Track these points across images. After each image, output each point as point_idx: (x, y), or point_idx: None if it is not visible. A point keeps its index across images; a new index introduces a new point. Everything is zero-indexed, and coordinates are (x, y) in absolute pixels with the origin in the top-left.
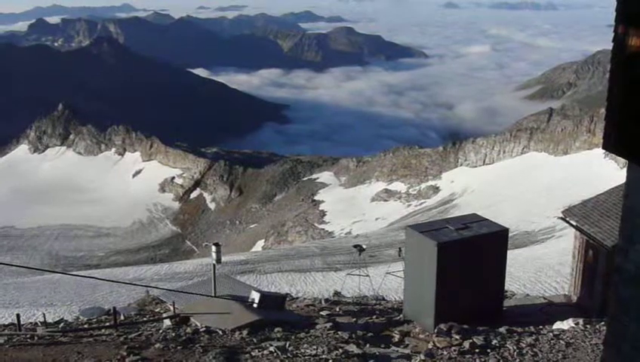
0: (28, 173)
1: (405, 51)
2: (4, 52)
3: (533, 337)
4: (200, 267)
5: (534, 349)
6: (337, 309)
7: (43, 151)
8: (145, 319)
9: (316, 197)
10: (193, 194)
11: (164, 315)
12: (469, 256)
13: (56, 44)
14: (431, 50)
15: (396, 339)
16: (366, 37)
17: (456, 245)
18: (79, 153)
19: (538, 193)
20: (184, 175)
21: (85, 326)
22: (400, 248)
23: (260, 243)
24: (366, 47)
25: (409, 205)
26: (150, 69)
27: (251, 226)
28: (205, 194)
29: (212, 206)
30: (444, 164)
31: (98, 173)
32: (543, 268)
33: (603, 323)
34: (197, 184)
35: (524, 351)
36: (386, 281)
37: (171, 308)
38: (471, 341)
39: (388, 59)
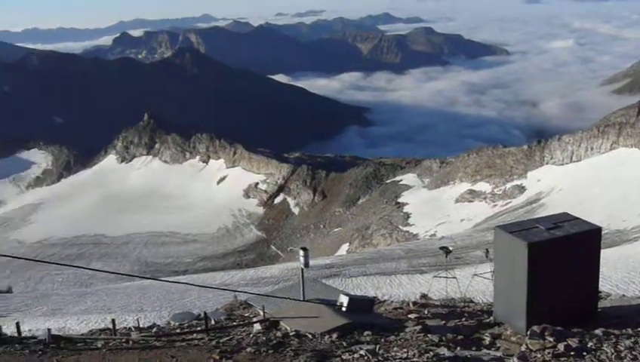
0: (116, 182)
1: (486, 49)
2: (91, 66)
3: (632, 340)
4: (286, 271)
5: (634, 352)
6: (426, 312)
7: (130, 160)
8: (235, 323)
9: (400, 200)
10: (277, 200)
11: (254, 319)
12: (561, 256)
13: (140, 57)
14: (513, 47)
15: (487, 342)
16: (445, 36)
17: (547, 245)
18: (165, 161)
19: (628, 190)
20: (268, 180)
21: (177, 330)
22: (487, 249)
23: (345, 247)
24: (446, 47)
25: (494, 205)
26: (231, 77)
27: (335, 230)
28: (289, 199)
29: (296, 210)
30: (529, 163)
31: (183, 181)
32: (636, 267)
33: None
34: (281, 189)
35: (623, 354)
36: (473, 283)
37: (260, 312)
38: (565, 343)
39: (469, 57)
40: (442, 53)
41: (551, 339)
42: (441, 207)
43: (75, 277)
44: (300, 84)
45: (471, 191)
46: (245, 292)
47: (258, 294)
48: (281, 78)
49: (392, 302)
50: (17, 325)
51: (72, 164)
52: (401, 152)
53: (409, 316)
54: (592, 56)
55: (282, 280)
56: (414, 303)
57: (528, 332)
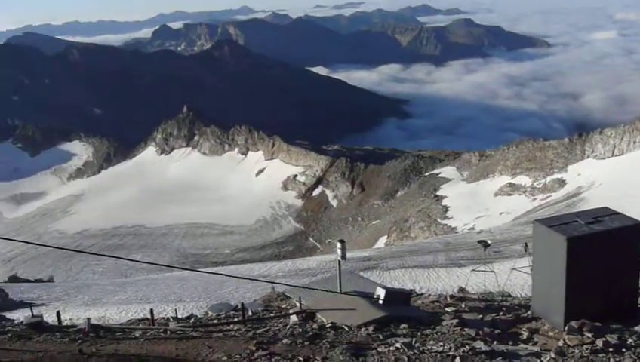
0: (156, 174)
1: (527, 41)
2: (131, 58)
3: None
4: (323, 264)
5: None
6: (463, 306)
7: (169, 152)
8: (272, 315)
9: (439, 193)
10: (315, 192)
11: (291, 311)
12: (601, 251)
13: (179, 49)
14: (554, 39)
15: (524, 337)
16: (486, 28)
17: (587, 240)
18: (204, 153)
19: None
20: (306, 173)
21: (214, 321)
22: (526, 243)
23: (383, 240)
24: (486, 39)
25: (534, 199)
26: (270, 69)
27: (373, 223)
28: (327, 192)
29: (334, 203)
30: (570, 157)
31: (222, 173)
32: None
33: None
34: (319, 181)
35: None
36: (511, 277)
37: (297, 304)
38: (604, 339)
39: (509, 49)
40: (482, 45)
41: (589, 335)
42: (480, 201)
43: (114, 267)
44: (338, 76)
45: (510, 185)
46: (283, 283)
47: (295, 286)
48: (319, 70)
49: (429, 295)
50: (58, 314)
51: (112, 156)
52: (440, 145)
53: (446, 309)
54: (636, 48)
55: (320, 273)
56: (452, 296)
57: (566, 328)
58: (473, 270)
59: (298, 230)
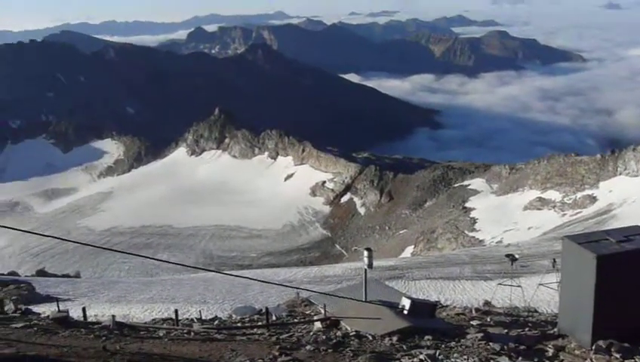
0: (185, 174)
1: (562, 55)
2: (165, 59)
3: None
4: (349, 271)
5: None
6: (488, 319)
7: (200, 154)
8: (296, 320)
9: (467, 205)
10: (344, 199)
11: (315, 318)
12: (632, 270)
13: (213, 52)
14: (589, 54)
15: (550, 354)
16: (521, 41)
17: (617, 258)
18: (234, 156)
19: None
20: (335, 179)
21: (238, 324)
22: (554, 259)
23: (409, 250)
24: (520, 51)
25: (564, 215)
26: (303, 75)
27: (401, 232)
28: (355, 199)
29: (362, 211)
30: (602, 173)
31: (251, 176)
32: None
33: None
34: (347, 188)
35: None
36: (538, 293)
37: (322, 310)
38: (632, 360)
39: (543, 63)
40: (516, 58)
41: (617, 356)
42: (508, 214)
43: (141, 266)
44: (371, 84)
45: (540, 199)
46: (307, 289)
47: (320, 292)
48: (352, 77)
49: (454, 307)
50: (84, 310)
51: (142, 155)
52: (470, 156)
53: (471, 322)
54: None
55: (345, 280)
56: (477, 310)
57: (593, 347)
58: (499, 284)
59: (325, 236)
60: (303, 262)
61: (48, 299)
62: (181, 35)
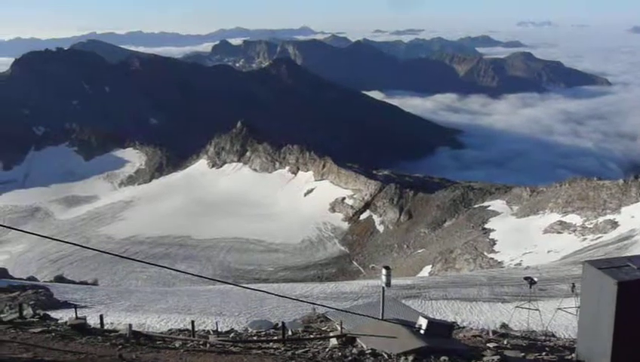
0: (206, 186)
1: (587, 78)
2: (190, 71)
3: None
4: (366, 288)
5: None
6: (505, 342)
7: (221, 166)
8: (312, 336)
9: (487, 226)
10: (363, 216)
11: (332, 334)
12: None
13: (237, 65)
14: (615, 78)
15: None
16: (545, 63)
17: (638, 285)
18: (254, 170)
19: None
20: (355, 196)
21: (254, 337)
22: (573, 284)
23: (427, 269)
24: (545, 74)
25: (584, 239)
26: (326, 91)
27: (419, 251)
28: (374, 216)
29: (381, 228)
30: (624, 198)
31: (271, 190)
32: None
33: None
34: (367, 206)
35: None
36: (556, 317)
37: (338, 327)
38: None
39: (568, 86)
40: (540, 80)
41: None
42: (528, 237)
43: (158, 275)
44: (394, 101)
45: (561, 223)
46: (324, 305)
47: (337, 309)
48: (375, 94)
49: (471, 328)
50: (101, 317)
51: (164, 166)
52: (491, 177)
53: (488, 345)
54: None
55: (362, 297)
56: (494, 332)
57: None
58: (517, 306)
59: (343, 253)
60: (320, 278)
61: (66, 305)
62: (206, 47)
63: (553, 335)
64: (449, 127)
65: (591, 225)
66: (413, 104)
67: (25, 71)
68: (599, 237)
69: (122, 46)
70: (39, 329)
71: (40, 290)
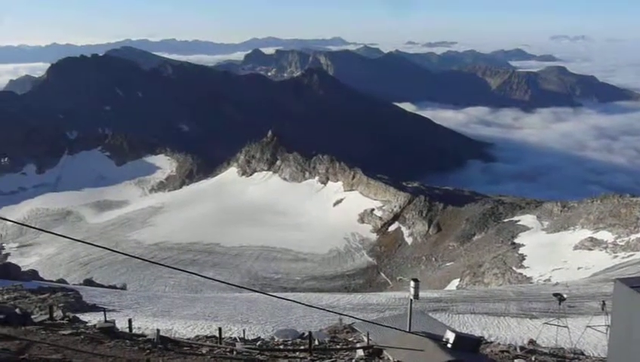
0: (235, 194)
1: (621, 93)
2: (222, 79)
3: None
4: (393, 300)
5: None
6: (533, 359)
7: (250, 174)
8: (339, 347)
9: (516, 240)
10: (391, 228)
11: (358, 345)
12: None
13: (269, 74)
14: None
15: None
16: (579, 77)
17: None
18: (284, 179)
19: None
20: (384, 207)
21: (281, 346)
22: (604, 301)
23: (455, 283)
24: (578, 88)
25: (615, 256)
26: (357, 101)
27: (447, 264)
28: (403, 228)
29: (409, 240)
30: None
31: (300, 200)
32: None
33: None
34: (396, 217)
35: None
36: (585, 335)
37: (365, 338)
38: None
39: (601, 101)
40: (574, 94)
41: None
42: (558, 252)
43: (186, 282)
44: (425, 113)
45: (592, 239)
46: (351, 316)
47: (364, 320)
48: (407, 106)
49: (498, 344)
50: (130, 322)
51: (194, 173)
52: (522, 192)
53: (515, 361)
54: None
55: (388, 309)
56: (522, 348)
57: None
58: (546, 323)
59: (370, 264)
60: (347, 289)
61: (94, 308)
62: (239, 56)
63: (582, 354)
64: (480, 140)
65: (622, 243)
66: (445, 116)
67: (60, 76)
68: (631, 255)
69: (155, 53)
70: (69, 332)
71: (69, 293)
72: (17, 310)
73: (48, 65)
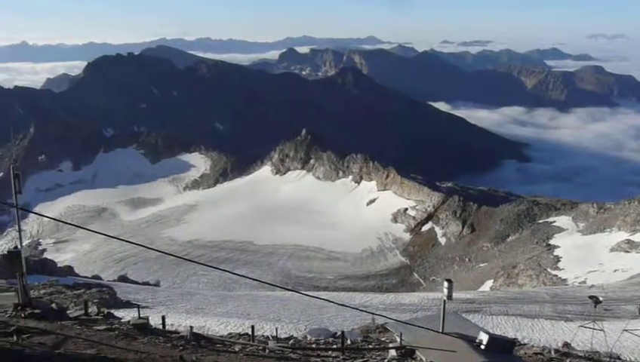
0: (269, 193)
1: None
2: (256, 78)
3: None
4: (426, 301)
5: None
6: (567, 361)
7: (284, 173)
8: (371, 346)
9: (551, 242)
10: (425, 228)
11: (391, 345)
12: None
13: (304, 73)
14: None
15: None
16: (616, 77)
17: None
18: (318, 178)
19: None
20: (417, 207)
21: (313, 345)
22: None
23: (489, 284)
24: (616, 88)
25: None
26: (392, 100)
27: (481, 265)
28: (437, 229)
29: (442, 241)
30: None
31: (334, 199)
32: None
33: None
34: (429, 217)
35: None
36: (622, 339)
37: (397, 338)
38: None
39: (639, 100)
40: (611, 94)
41: None
42: (594, 254)
43: (219, 279)
44: (459, 113)
45: (629, 241)
46: (383, 316)
47: (397, 320)
48: (441, 105)
49: (532, 346)
50: (163, 318)
51: (228, 171)
52: (557, 193)
53: None
54: None
55: (421, 309)
56: (556, 351)
57: None
58: (581, 326)
59: (403, 264)
60: (380, 289)
61: (128, 304)
62: (273, 55)
63: (618, 358)
64: (515, 141)
65: None
66: (480, 116)
67: (97, 75)
68: None
69: (191, 52)
70: (103, 327)
71: (104, 289)
72: (53, 305)
73: (85, 63)
